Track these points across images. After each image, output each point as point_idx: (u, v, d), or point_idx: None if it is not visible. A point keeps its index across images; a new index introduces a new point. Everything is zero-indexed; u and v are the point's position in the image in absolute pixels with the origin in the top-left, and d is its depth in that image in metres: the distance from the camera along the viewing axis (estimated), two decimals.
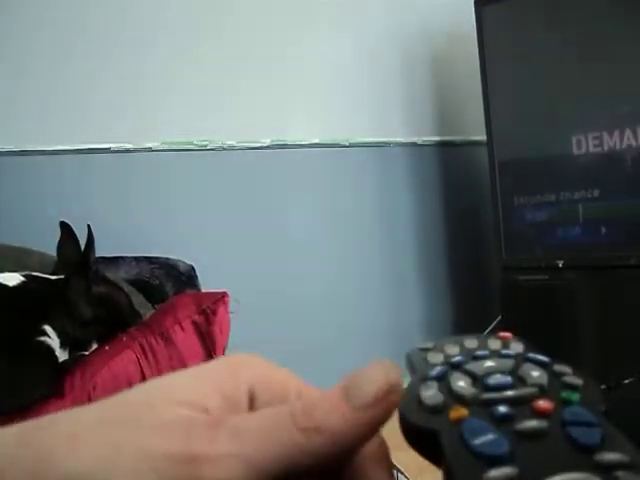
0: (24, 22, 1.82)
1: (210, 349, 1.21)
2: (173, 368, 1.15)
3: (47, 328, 1.10)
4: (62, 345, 1.13)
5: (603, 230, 1.96)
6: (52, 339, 1.10)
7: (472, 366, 0.26)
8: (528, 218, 2.11)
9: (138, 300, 1.42)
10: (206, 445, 0.22)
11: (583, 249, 2.00)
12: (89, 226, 1.24)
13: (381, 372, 0.24)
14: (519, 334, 0.30)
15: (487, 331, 2.19)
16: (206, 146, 2.04)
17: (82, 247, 1.24)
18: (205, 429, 0.23)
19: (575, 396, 0.25)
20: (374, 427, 0.24)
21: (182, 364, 1.16)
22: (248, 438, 0.23)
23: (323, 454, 0.23)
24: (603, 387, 1.55)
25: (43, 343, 1.07)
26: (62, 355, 1.13)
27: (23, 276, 1.18)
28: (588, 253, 1.99)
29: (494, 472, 0.22)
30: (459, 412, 0.24)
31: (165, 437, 0.22)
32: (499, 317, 2.18)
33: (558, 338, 1.95)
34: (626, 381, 1.76)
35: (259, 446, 0.23)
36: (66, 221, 1.28)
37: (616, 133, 1.93)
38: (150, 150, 1.96)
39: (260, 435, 0.23)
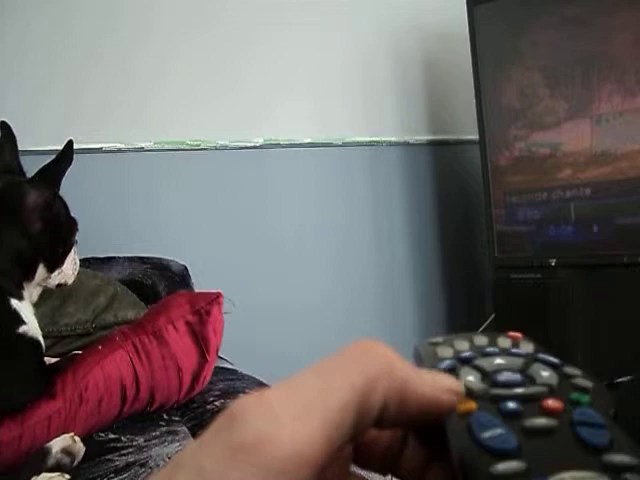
0: (15, 23, 1.80)
1: (203, 350, 1.20)
2: (166, 368, 1.14)
3: (14, 302, 1.02)
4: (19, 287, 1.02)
5: (595, 229, 1.96)
6: (27, 317, 1.03)
7: (482, 362, 0.27)
8: (521, 217, 2.12)
9: (132, 299, 1.41)
10: None
11: (575, 248, 2.00)
12: (70, 141, 1.09)
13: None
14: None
15: (481, 329, 2.19)
16: (199, 146, 2.03)
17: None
18: None
19: (585, 398, 0.25)
20: None
21: (175, 364, 1.15)
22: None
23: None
24: None
25: (25, 335, 1.02)
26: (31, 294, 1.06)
27: None
28: (580, 252, 1.99)
29: (502, 465, 0.22)
30: (468, 405, 0.24)
31: None
32: (492, 315, 2.19)
33: (550, 336, 1.95)
34: (619, 380, 1.76)
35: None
36: (7, 122, 1.14)
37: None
38: (142, 150, 1.96)
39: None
